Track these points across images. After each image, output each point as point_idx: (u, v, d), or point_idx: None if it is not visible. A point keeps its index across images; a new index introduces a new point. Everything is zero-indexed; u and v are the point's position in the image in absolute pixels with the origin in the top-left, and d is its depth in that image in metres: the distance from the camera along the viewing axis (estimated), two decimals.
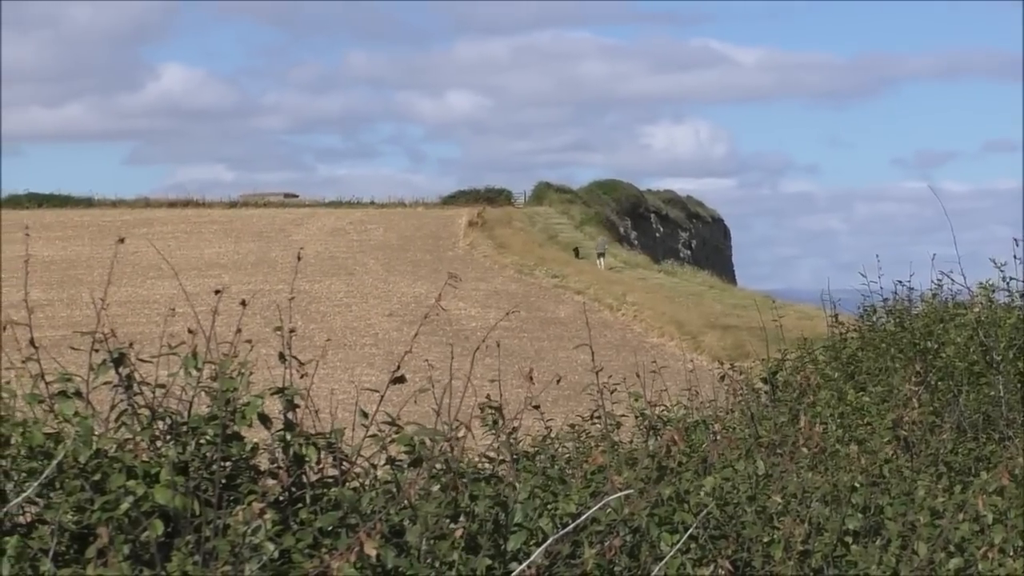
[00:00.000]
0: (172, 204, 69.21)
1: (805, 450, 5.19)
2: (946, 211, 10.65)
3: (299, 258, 5.37)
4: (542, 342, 30.76)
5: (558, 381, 4.71)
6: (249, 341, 3.85)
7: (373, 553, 3.20)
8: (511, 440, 4.55)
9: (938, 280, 9.86)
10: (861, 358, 8.96)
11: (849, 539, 4.34)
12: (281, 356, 3.88)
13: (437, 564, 3.48)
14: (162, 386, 3.77)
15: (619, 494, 3.84)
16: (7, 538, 3.04)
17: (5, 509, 3.31)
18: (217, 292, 4.07)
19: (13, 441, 3.52)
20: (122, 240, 4.60)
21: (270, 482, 3.60)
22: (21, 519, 3.49)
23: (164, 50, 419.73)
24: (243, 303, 3.94)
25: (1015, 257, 10.02)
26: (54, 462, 3.35)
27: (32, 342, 3.74)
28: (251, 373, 3.78)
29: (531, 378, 4.33)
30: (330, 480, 3.82)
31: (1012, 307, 9.44)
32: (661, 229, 73.85)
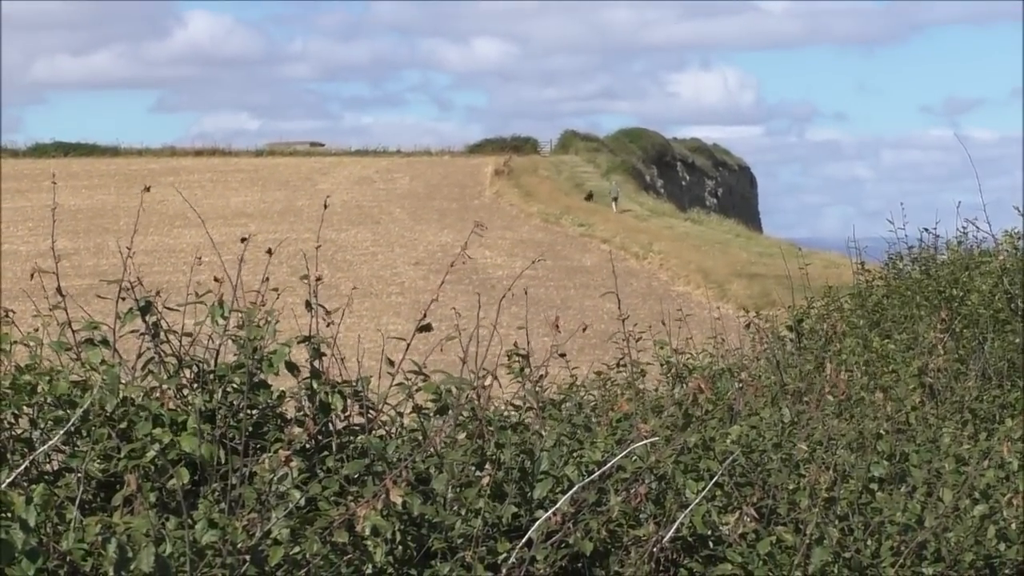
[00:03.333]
0: (199, 153, 69.24)
1: (831, 398, 5.17)
2: (972, 159, 10.55)
3: (325, 207, 5.31)
4: (568, 291, 30.78)
5: (584, 329, 4.67)
6: (276, 289, 3.85)
7: (399, 500, 3.19)
8: (537, 388, 4.54)
9: (963, 228, 9.81)
10: (886, 306, 8.94)
11: (874, 486, 4.31)
12: (307, 304, 3.88)
13: (463, 512, 3.49)
14: (189, 334, 3.78)
15: (645, 441, 3.80)
16: (34, 486, 3.05)
17: (32, 457, 3.33)
18: (243, 240, 4.05)
19: (40, 389, 3.52)
20: (148, 189, 4.57)
21: (296, 430, 3.60)
22: (48, 467, 3.51)
23: None
24: (269, 252, 3.93)
25: None
26: (80, 410, 3.36)
27: (59, 290, 3.74)
28: (278, 321, 3.78)
29: (557, 326, 4.33)
30: (356, 428, 3.83)
31: None
32: (688, 177, 73.42)
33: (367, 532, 3.19)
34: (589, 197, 50.88)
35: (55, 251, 3.75)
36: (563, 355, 4.68)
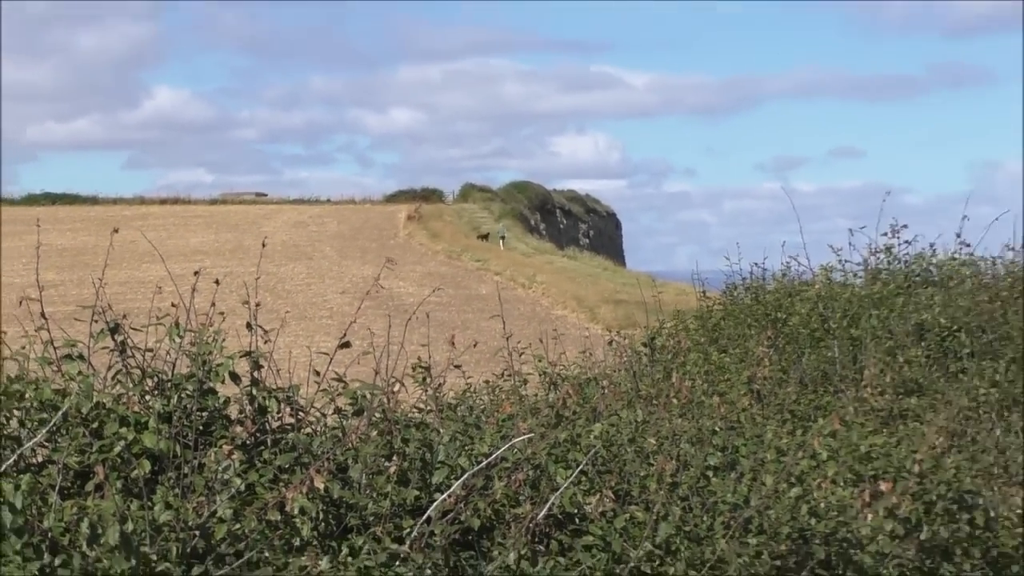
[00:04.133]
0: (163, 201, 66.62)
1: (676, 401, 5.10)
2: (795, 207, 10.76)
3: (264, 245, 5.17)
4: (466, 314, 30.20)
5: (475, 345, 4.56)
6: (222, 313, 3.78)
7: (322, 486, 3.18)
8: (437, 394, 4.48)
9: (787, 263, 9.85)
10: (723, 326, 8.71)
11: (710, 473, 4.25)
12: (248, 325, 3.84)
13: (375, 495, 3.42)
14: (151, 350, 3.72)
15: (523, 437, 3.77)
16: (22, 476, 2.97)
17: (20, 451, 3.25)
18: (196, 273, 3.97)
19: (27, 396, 3.45)
20: (116, 230, 4.49)
21: (238, 429, 3.54)
22: (33, 460, 3.44)
23: (157, 73, 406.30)
24: (216, 282, 3.84)
25: (849, 244, 10.10)
26: (60, 413, 3.27)
27: (43, 315, 3.66)
28: (224, 339, 3.72)
29: (453, 343, 4.28)
30: (288, 427, 3.76)
31: (846, 285, 9.49)
32: (565, 222, 73.27)
33: (296, 511, 3.16)
34: (484, 237, 50.38)
35: (39, 283, 3.65)
36: (459, 367, 4.60)
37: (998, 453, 5.48)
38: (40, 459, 3.40)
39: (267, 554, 3.12)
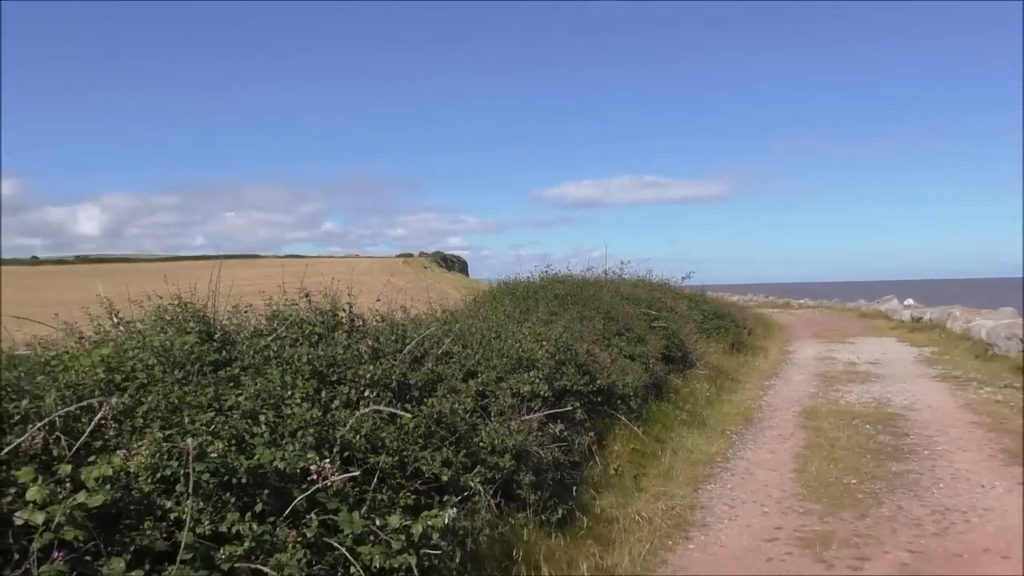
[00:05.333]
0: None
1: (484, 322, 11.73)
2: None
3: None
4: (420, 294, 35.97)
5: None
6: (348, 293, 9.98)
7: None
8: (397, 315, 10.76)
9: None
10: (499, 292, 15.80)
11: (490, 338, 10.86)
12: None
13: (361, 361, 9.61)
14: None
15: (433, 329, 10.12)
16: None
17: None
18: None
19: None
20: None
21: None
22: None
23: None
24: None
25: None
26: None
27: None
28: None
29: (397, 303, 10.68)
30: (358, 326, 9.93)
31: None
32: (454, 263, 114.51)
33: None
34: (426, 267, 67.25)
35: None
36: (405, 309, 11.00)
37: (580, 327, 12.50)
38: None
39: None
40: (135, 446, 4.17)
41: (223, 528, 4.14)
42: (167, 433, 4.41)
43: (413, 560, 4.55)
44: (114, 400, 4.35)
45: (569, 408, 8.71)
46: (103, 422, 4.28)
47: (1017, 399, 14.02)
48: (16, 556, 3.55)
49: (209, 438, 4.49)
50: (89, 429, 4.18)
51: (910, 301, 37.97)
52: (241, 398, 5.22)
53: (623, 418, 10.22)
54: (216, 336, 6.24)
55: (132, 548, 3.80)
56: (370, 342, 7.63)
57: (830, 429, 12.17)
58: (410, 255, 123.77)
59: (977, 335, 22.25)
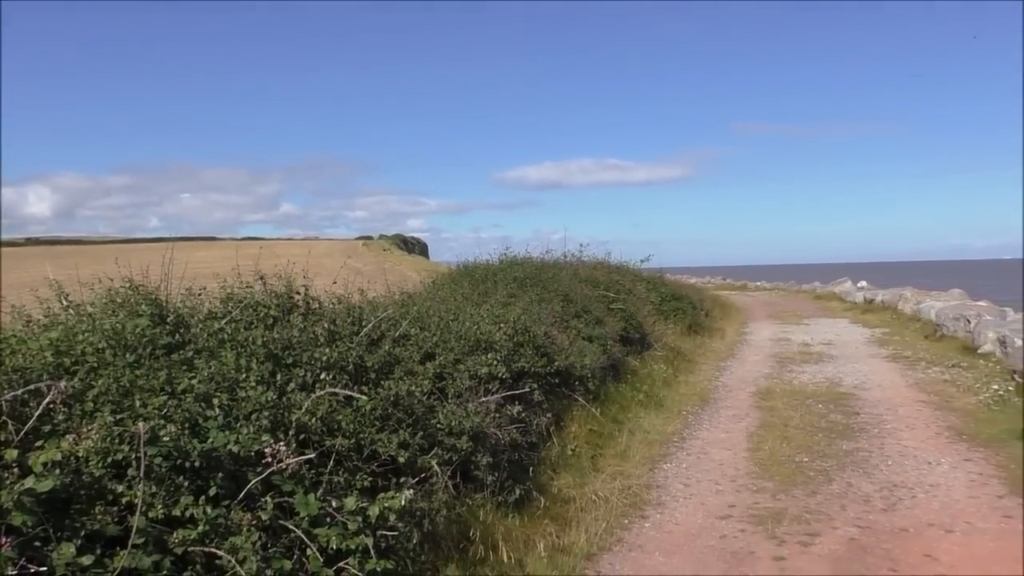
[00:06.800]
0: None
1: (444, 303, 11.73)
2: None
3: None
4: (378, 276, 36.79)
5: (366, 282, 10.89)
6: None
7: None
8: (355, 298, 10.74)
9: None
10: (458, 275, 15.77)
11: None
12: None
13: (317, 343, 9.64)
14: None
15: (389, 311, 10.13)
16: None
17: None
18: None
19: None
20: None
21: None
22: None
23: None
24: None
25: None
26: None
27: None
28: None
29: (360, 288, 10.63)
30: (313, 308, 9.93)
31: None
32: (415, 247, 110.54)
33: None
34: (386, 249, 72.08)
35: None
36: (362, 292, 10.95)
37: (538, 307, 12.56)
38: None
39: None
40: (85, 430, 4.11)
41: (176, 512, 4.10)
42: (118, 417, 4.35)
43: (370, 541, 4.54)
44: (63, 384, 4.28)
45: (527, 390, 8.74)
46: (51, 406, 4.21)
47: (964, 378, 14.33)
48: None
49: (162, 422, 4.44)
50: (37, 413, 4.10)
51: (863, 283, 38.60)
52: (194, 381, 5.17)
53: (581, 399, 10.28)
54: (169, 319, 6.17)
55: (83, 533, 3.75)
56: (326, 324, 7.56)
57: (784, 409, 12.35)
58: (370, 238, 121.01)
59: (927, 316, 22.68)
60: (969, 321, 18.65)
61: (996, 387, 12.99)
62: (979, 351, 16.60)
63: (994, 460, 9.18)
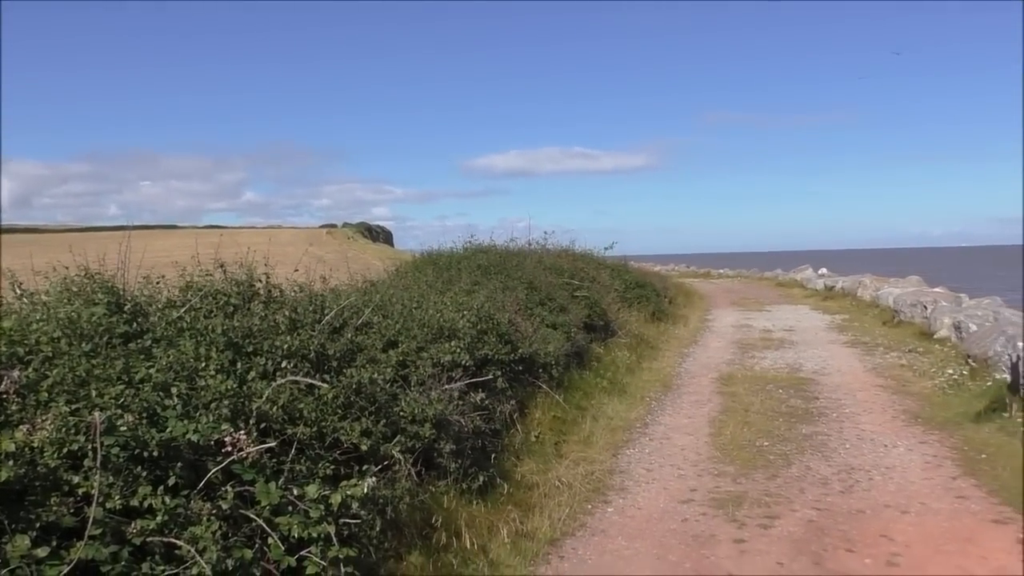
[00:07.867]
0: None
1: (407, 291, 11.69)
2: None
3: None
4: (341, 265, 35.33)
5: (328, 270, 10.83)
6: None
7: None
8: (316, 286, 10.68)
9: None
10: (422, 262, 15.77)
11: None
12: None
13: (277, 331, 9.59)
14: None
15: (351, 299, 10.07)
16: None
17: None
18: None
19: None
20: None
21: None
22: None
23: None
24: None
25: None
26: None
27: None
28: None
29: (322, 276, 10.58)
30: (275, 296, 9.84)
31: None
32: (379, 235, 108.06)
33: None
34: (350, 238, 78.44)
35: None
36: (324, 279, 10.86)
37: (502, 295, 12.58)
38: None
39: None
40: (40, 420, 4.05)
41: (134, 502, 4.06)
42: (74, 407, 4.29)
43: (332, 529, 4.53)
44: (16, 373, 4.22)
45: (490, 377, 8.75)
46: (5, 396, 4.14)
47: (920, 363, 14.57)
48: None
49: (119, 411, 4.39)
50: None
51: (824, 271, 39.08)
52: (152, 370, 5.11)
53: (544, 386, 10.31)
54: (126, 308, 6.08)
55: (38, 524, 3.70)
56: (288, 312, 7.50)
57: (745, 394, 12.48)
58: (334, 226, 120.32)
59: (885, 303, 23.02)
60: (926, 307, 18.97)
61: (951, 371, 13.22)
62: (935, 336, 16.88)
63: (948, 443, 9.36)
